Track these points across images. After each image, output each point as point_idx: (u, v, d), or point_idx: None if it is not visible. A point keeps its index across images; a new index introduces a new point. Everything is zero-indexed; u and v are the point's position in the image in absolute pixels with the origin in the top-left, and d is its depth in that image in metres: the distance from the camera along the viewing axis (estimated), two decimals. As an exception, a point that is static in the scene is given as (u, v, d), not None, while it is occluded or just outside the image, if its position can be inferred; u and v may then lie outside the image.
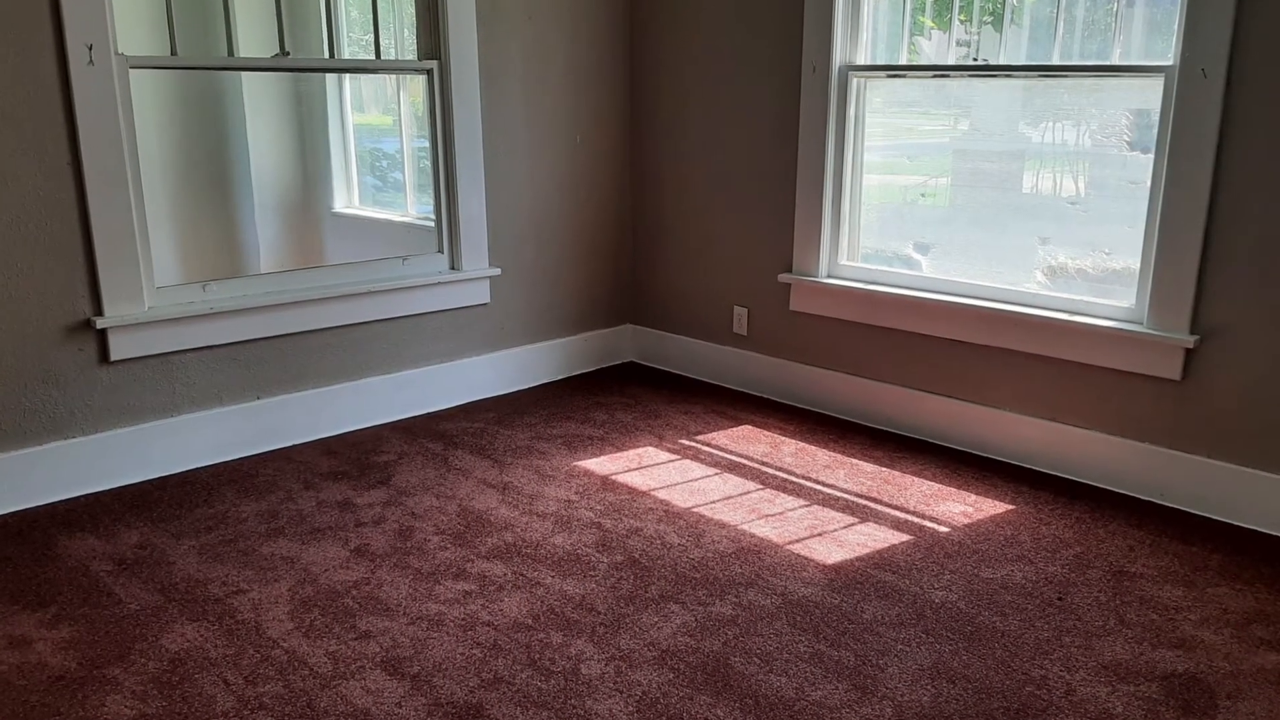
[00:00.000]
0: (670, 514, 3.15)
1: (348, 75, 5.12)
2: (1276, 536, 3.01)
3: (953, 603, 2.63)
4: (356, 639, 2.46)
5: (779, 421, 3.99)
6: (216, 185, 5.17)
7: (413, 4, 3.89)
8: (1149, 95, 3.12)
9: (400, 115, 4.79)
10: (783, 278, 4.09)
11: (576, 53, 4.32)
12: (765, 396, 4.30)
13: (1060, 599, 2.65)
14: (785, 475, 3.46)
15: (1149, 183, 3.13)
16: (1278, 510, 3.01)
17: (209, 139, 5.11)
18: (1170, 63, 3.02)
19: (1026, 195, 3.49)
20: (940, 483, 3.39)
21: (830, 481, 3.41)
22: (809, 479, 3.43)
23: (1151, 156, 3.11)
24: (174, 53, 3.36)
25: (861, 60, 3.77)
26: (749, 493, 3.32)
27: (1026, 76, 3.37)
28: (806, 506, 3.21)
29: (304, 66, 3.81)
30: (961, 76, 3.54)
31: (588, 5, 4.31)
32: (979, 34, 3.53)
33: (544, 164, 4.31)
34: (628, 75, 4.53)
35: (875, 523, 3.09)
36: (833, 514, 3.16)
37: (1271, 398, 2.99)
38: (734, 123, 4.19)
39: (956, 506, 3.21)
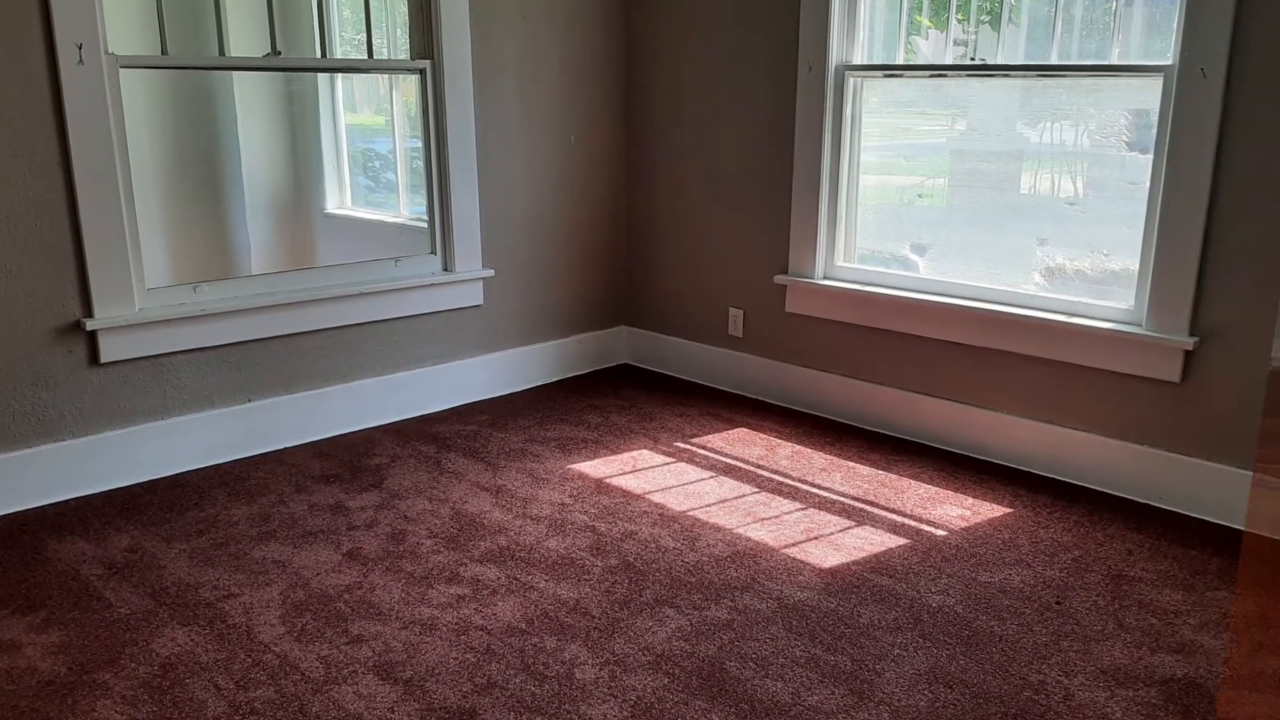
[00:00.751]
0: (665, 517, 3.13)
1: (340, 75, 5.09)
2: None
3: (950, 607, 2.61)
4: (349, 643, 2.43)
5: (774, 424, 3.97)
6: (208, 186, 5.14)
7: (405, 3, 3.86)
8: (1148, 95, 3.10)
9: (393, 115, 4.76)
10: (778, 279, 4.07)
11: (571, 52, 4.30)
12: (761, 399, 4.28)
13: (1058, 603, 2.64)
14: (781, 478, 3.44)
15: (1148, 183, 3.12)
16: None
17: (200, 139, 5.08)
18: (1169, 62, 3.00)
19: (1024, 196, 3.47)
20: (937, 486, 3.37)
21: (826, 484, 3.38)
22: (805, 482, 3.41)
23: (1150, 157, 3.10)
24: (165, 52, 3.33)
25: (858, 60, 3.76)
26: (744, 496, 3.30)
27: (1024, 76, 3.36)
28: (802, 510, 3.19)
29: (296, 66, 3.79)
30: (959, 76, 3.52)
31: (582, 4, 4.29)
32: (976, 33, 3.52)
33: (538, 164, 4.29)
34: (623, 74, 4.51)
35: (872, 526, 3.07)
36: (829, 517, 3.13)
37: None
38: (729, 122, 4.17)
39: (954, 510, 3.19)
